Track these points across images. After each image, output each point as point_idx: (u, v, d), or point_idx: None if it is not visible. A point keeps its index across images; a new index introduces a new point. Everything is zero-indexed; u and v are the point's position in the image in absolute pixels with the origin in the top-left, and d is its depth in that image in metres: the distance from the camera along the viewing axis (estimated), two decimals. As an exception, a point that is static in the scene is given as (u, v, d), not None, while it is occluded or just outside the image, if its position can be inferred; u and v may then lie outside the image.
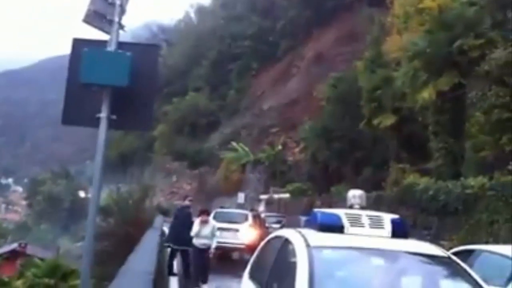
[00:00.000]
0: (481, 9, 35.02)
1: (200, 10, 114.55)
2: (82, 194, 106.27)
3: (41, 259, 35.96)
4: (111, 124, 7.67)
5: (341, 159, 43.08)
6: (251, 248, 16.96)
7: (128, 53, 7.64)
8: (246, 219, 26.82)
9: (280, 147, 60.25)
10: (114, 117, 7.66)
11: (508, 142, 23.33)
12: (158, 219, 31.60)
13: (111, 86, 7.53)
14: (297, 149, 57.69)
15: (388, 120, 37.01)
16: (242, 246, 23.63)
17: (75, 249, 57.23)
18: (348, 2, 72.79)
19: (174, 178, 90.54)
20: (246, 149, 62.46)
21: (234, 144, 64.61)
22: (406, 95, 34.54)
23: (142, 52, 8.24)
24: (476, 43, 30.22)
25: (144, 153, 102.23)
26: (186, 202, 19.75)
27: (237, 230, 24.45)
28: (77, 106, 7.74)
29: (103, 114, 7.58)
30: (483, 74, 26.89)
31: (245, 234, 24.51)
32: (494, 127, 24.75)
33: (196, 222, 16.89)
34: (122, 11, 7.97)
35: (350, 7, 71.69)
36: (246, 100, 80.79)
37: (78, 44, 7.83)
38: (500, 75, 25.10)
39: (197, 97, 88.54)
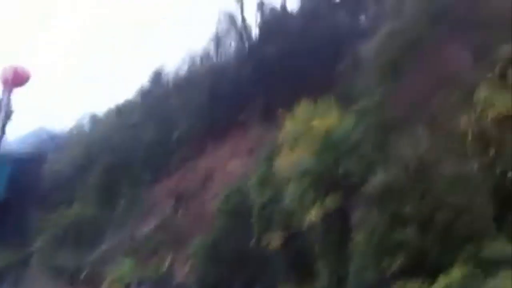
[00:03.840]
0: (364, 133, 37.08)
1: (94, 118, 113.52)
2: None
3: None
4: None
5: (231, 278, 41.98)
6: None
7: (7, 166, 6.98)
8: None
9: (168, 264, 58.18)
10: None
11: (389, 265, 23.68)
12: None
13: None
14: (186, 266, 55.92)
15: (277, 238, 37.04)
16: None
17: None
18: (242, 118, 74.75)
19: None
20: (132, 265, 59.85)
21: (119, 259, 61.83)
22: (295, 214, 34.95)
23: (24, 162, 7.48)
24: (359, 166, 31.58)
25: (20, 269, 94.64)
26: None
27: None
28: None
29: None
30: (366, 196, 27.73)
31: None
32: (376, 249, 25.19)
33: None
34: (7, 118, 7.46)
35: (245, 123, 73.54)
36: (136, 213, 78.43)
37: None
38: (381, 198, 25.98)
39: (84, 207, 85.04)
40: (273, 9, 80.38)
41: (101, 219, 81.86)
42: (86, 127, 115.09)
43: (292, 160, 39.43)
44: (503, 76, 32.38)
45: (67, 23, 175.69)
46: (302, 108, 45.06)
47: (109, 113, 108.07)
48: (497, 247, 24.20)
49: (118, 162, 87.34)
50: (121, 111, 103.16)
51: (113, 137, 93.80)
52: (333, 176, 32.34)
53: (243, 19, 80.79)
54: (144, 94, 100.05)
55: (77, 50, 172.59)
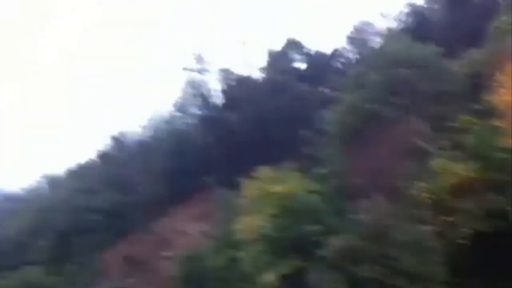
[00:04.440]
0: (324, 198, 37.40)
1: (53, 180, 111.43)
2: None
3: None
4: None
5: None
6: None
7: None
8: None
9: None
10: None
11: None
12: None
13: None
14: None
15: (234, 302, 36.37)
16: None
17: None
18: (205, 183, 74.51)
19: None
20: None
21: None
22: (252, 277, 34.47)
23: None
24: (317, 229, 31.69)
25: None
26: None
27: None
28: None
29: None
30: (324, 259, 27.66)
31: None
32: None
33: None
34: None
35: (207, 187, 73.25)
36: (89, 277, 75.92)
37: None
38: (338, 260, 25.97)
39: (32, 272, 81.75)
40: (238, 77, 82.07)
41: (49, 284, 78.82)
42: (45, 189, 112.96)
43: (251, 224, 39.23)
44: (458, 145, 33.40)
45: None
46: (263, 173, 45.33)
47: (69, 175, 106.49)
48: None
49: (74, 226, 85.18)
50: (81, 174, 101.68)
51: (71, 201, 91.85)
52: (292, 239, 32.28)
53: (207, 86, 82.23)
54: (105, 157, 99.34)
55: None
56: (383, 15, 71.50)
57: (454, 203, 28.49)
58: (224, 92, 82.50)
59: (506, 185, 26.90)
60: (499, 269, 25.74)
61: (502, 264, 25.63)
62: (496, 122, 31.02)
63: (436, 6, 64.78)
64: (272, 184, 41.93)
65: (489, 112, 33.92)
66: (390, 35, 63.35)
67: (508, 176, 27.18)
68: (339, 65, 78.94)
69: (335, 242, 28.09)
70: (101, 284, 70.38)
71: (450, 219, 27.79)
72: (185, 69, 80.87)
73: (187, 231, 66.40)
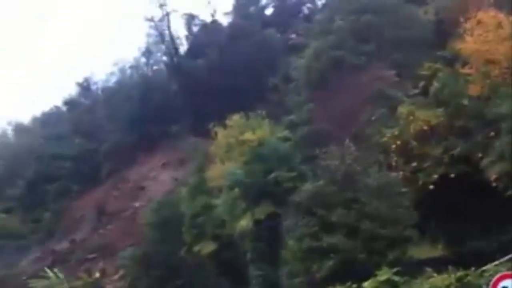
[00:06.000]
0: (294, 145, 38.40)
1: (19, 127, 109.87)
2: None
3: None
4: None
5: (162, 285, 41.94)
6: None
7: None
8: None
9: (98, 274, 57.06)
10: None
11: (318, 269, 24.65)
12: None
13: None
14: (116, 276, 55.13)
15: (209, 247, 37.65)
16: None
17: None
18: (174, 130, 74.87)
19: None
20: (61, 276, 58.02)
21: (47, 270, 59.79)
22: (226, 223, 35.64)
23: None
24: (288, 176, 32.75)
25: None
26: None
27: None
28: None
29: None
30: (295, 205, 28.65)
31: None
32: (305, 255, 26.15)
33: None
34: None
35: (176, 135, 73.73)
36: (63, 224, 76.51)
37: None
38: (309, 206, 26.97)
39: (7, 219, 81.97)
40: (203, 22, 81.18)
41: (25, 231, 79.22)
42: (11, 137, 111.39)
43: (223, 171, 40.15)
44: (425, 92, 34.45)
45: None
46: (234, 121, 46.02)
47: (34, 122, 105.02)
48: (420, 251, 25.92)
49: (44, 174, 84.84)
50: (47, 121, 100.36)
51: (39, 148, 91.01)
52: (264, 186, 33.26)
53: (171, 32, 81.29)
54: (71, 104, 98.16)
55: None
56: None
57: (421, 149, 29.66)
58: (188, 38, 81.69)
59: (470, 131, 28.07)
60: (464, 211, 27.21)
61: (466, 206, 27.07)
62: (462, 70, 31.94)
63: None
64: (243, 132, 42.86)
65: (455, 59, 34.90)
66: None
67: (472, 122, 28.32)
68: (306, 11, 78.72)
69: (306, 188, 28.96)
70: (76, 230, 71.09)
71: (417, 164, 28.99)
72: (148, 20, 79.86)
73: (159, 178, 67.12)
